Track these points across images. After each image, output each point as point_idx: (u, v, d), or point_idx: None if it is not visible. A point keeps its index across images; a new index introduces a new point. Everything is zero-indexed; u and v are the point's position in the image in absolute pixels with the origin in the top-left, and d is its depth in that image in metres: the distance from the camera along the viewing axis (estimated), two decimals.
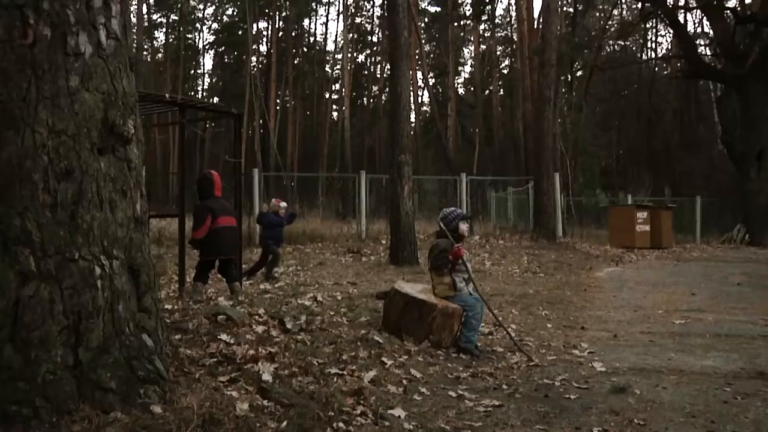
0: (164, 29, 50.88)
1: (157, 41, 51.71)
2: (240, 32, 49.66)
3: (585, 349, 6.35)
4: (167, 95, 6.38)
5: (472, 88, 51.04)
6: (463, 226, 6.34)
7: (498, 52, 50.70)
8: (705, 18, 28.87)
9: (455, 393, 4.76)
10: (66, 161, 3.29)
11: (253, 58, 48.68)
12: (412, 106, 49.52)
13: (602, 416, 4.35)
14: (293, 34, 49.49)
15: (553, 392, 4.89)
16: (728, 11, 25.38)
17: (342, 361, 5.06)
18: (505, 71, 51.45)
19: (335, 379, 4.57)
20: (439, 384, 4.97)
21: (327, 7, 53.41)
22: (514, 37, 43.12)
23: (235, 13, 50.75)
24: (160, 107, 7.00)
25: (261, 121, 47.44)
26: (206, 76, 56.37)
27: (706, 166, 36.72)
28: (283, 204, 11.42)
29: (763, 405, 4.59)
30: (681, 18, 32.15)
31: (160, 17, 49.20)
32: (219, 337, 4.83)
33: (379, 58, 51.31)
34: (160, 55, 50.74)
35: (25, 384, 3.14)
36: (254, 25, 47.72)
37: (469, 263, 6.32)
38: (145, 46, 49.64)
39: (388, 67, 17.05)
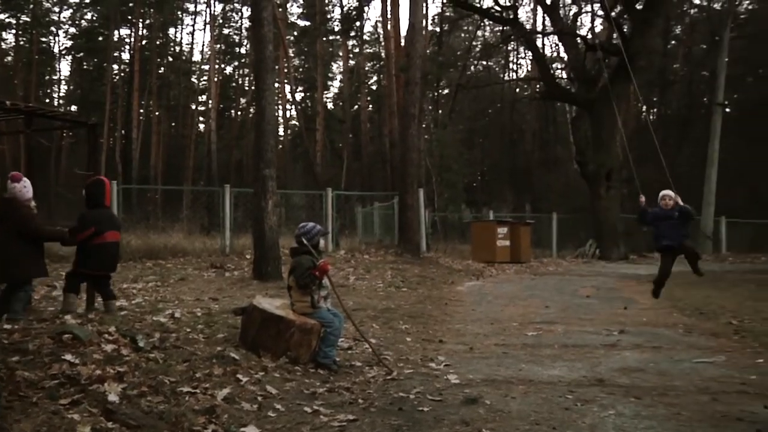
0: (14, 30, 47.92)
1: (6, 43, 48.68)
2: (100, 38, 47.67)
3: (441, 362, 6.52)
4: (8, 102, 6.03)
5: (341, 103, 51.46)
6: (323, 241, 6.36)
7: (366, 68, 51.43)
8: (560, 43, 30.51)
9: (311, 408, 4.76)
10: None
11: (115, 66, 46.96)
12: (281, 120, 49.47)
13: (453, 427, 4.47)
14: (158, 42, 48.10)
15: (408, 405, 4.98)
16: (580, 38, 27.01)
17: (195, 379, 4.95)
18: (374, 87, 52.25)
19: (187, 398, 4.47)
20: (295, 400, 4.95)
21: (194, 16, 52.53)
22: (383, 54, 43.87)
23: (95, 18, 48.70)
24: (1, 115, 6.60)
25: (123, 131, 45.79)
26: (63, 83, 53.75)
27: (563, 183, 38.81)
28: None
29: (599, 410, 4.88)
30: (539, 42, 33.89)
31: (8, 17, 46.31)
32: (63, 357, 4.61)
33: (247, 70, 50.83)
34: (9, 58, 47.81)
35: None
36: (116, 32, 46.09)
37: (327, 282, 6.34)
38: None
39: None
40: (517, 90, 45.24)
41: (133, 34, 47.17)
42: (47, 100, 49.04)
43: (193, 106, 50.64)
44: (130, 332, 5.83)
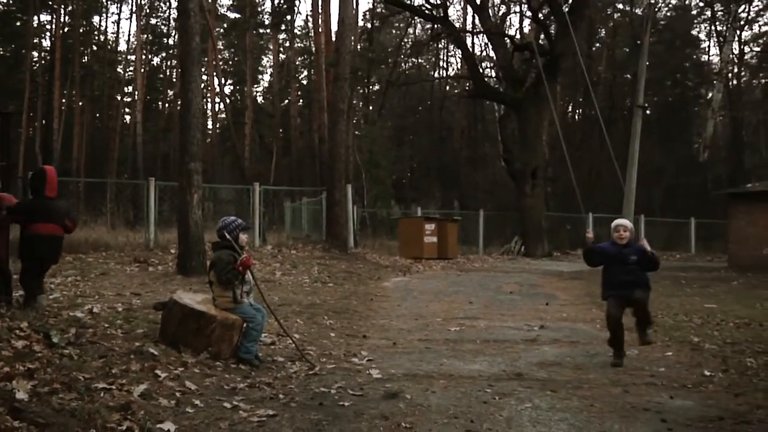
0: None
1: None
2: (18, 23, 45.92)
3: (364, 357, 6.56)
4: None
5: (270, 98, 50.97)
6: (243, 237, 6.26)
7: (297, 63, 51.09)
8: (489, 43, 30.97)
9: (230, 404, 4.72)
10: None
11: (35, 53, 45.33)
12: (209, 113, 48.72)
13: (373, 421, 4.51)
14: (81, 30, 46.62)
15: (329, 400, 5.00)
16: (508, 38, 27.48)
17: (111, 375, 4.85)
18: (304, 82, 51.95)
19: (102, 395, 4.38)
20: (214, 396, 4.91)
21: (119, 4, 51.22)
22: (313, 49, 43.64)
23: (11, 2, 46.85)
24: None
25: (44, 121, 44.25)
26: None
27: (490, 181, 39.40)
28: None
29: (516, 403, 5.00)
30: (468, 41, 34.29)
31: None
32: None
33: (175, 61, 49.74)
34: None
35: None
36: (35, 17, 44.46)
37: (249, 275, 6.28)
38: None
39: None
40: (447, 88, 45.73)
41: (54, 20, 45.64)
42: None
43: (119, 97, 49.29)
44: (44, 328, 5.67)
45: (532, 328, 8.59)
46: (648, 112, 35.52)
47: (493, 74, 34.60)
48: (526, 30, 35.42)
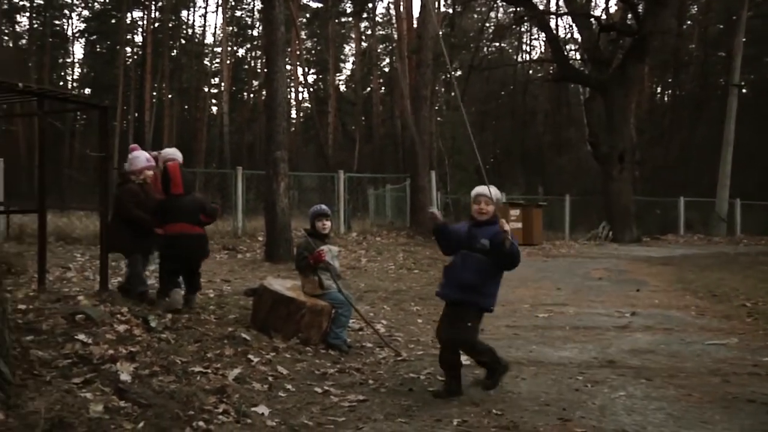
0: (27, 13, 47.98)
1: (20, 26, 48.73)
2: (113, 21, 47.69)
3: None
4: (21, 84, 6.04)
5: (353, 86, 51.30)
6: (320, 224, 6.27)
7: (379, 50, 51.20)
8: (573, 24, 30.24)
9: (321, 389, 4.79)
10: None
11: (128, 49, 46.98)
12: (293, 103, 49.40)
13: (463, 408, 4.49)
14: (170, 24, 48.04)
15: (418, 386, 5.01)
16: (593, 19, 26.75)
17: (206, 359, 4.99)
18: (386, 69, 52.03)
19: (198, 378, 4.51)
20: (305, 380, 4.99)
21: None
22: (395, 36, 43.61)
23: (107, 1, 48.66)
24: (14, 97, 6.62)
25: (136, 114, 45.87)
26: (76, 65, 53.81)
27: (575, 165, 38.60)
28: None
29: (609, 391, 4.88)
30: (552, 23, 33.60)
31: (21, 0, 46.39)
32: (76, 337, 4.65)
33: (259, 52, 50.65)
34: (24, 41, 47.90)
35: None
36: (128, 14, 46.06)
37: (335, 263, 6.33)
38: (6, 31, 46.77)
39: None
40: (530, 71, 44.95)
41: (145, 16, 47.12)
42: (61, 83, 49.14)
43: (206, 89, 50.57)
44: (143, 313, 5.88)
45: (623, 314, 8.38)
46: (744, 91, 34.05)
47: (578, 56, 33.81)
48: (612, 9, 34.32)
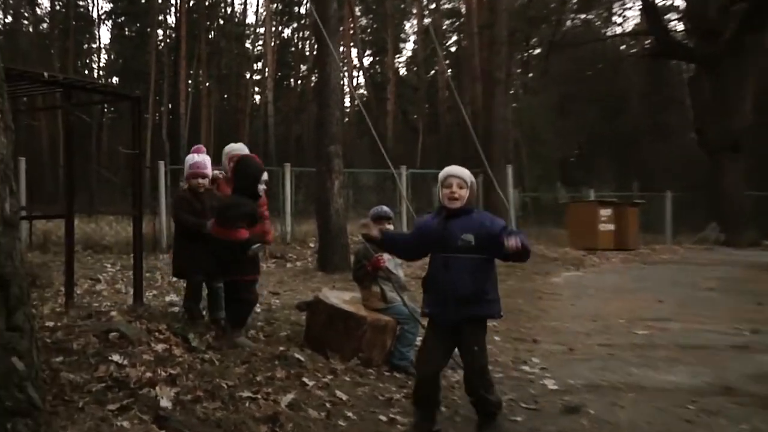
0: None
1: (41, 8, 50.17)
2: (143, 1, 48.75)
3: (536, 365, 6.48)
4: (46, 74, 6.22)
5: (414, 68, 51.35)
6: (380, 228, 6.22)
7: (444, 27, 51.12)
8: None
9: (386, 417, 4.80)
10: None
11: (159, 32, 47.96)
12: (347, 89, 49.71)
13: None
14: (206, 3, 48.88)
15: (499, 414, 4.96)
16: None
17: (256, 383, 5.04)
18: (453, 49, 51.93)
19: (247, 404, 4.55)
20: (368, 407, 4.99)
21: None
22: (462, 10, 43.53)
23: None
24: (38, 88, 6.82)
25: (170, 105, 46.77)
26: (103, 51, 55.19)
27: (678, 156, 37.80)
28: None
29: (729, 423, 4.76)
30: None
31: None
32: (110, 358, 4.75)
33: (307, 33, 51.17)
34: (45, 25, 49.35)
35: None
36: None
37: (399, 271, 6.32)
38: (25, 14, 48.20)
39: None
40: (622, 47, 44.20)
41: None
42: (86, 71, 50.42)
43: (248, 75, 51.29)
44: (182, 330, 5.97)
45: (741, 332, 8.16)
46: None
47: (681, 27, 33.10)
48: None
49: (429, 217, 4.71)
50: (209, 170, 7.01)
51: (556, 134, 34.02)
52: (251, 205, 6.12)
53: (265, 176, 6.29)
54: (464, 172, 4.57)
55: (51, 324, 5.50)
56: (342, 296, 6.58)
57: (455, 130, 44.86)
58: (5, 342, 3.45)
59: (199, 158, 6.97)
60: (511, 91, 31.72)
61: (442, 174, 4.64)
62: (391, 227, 6.32)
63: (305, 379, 5.31)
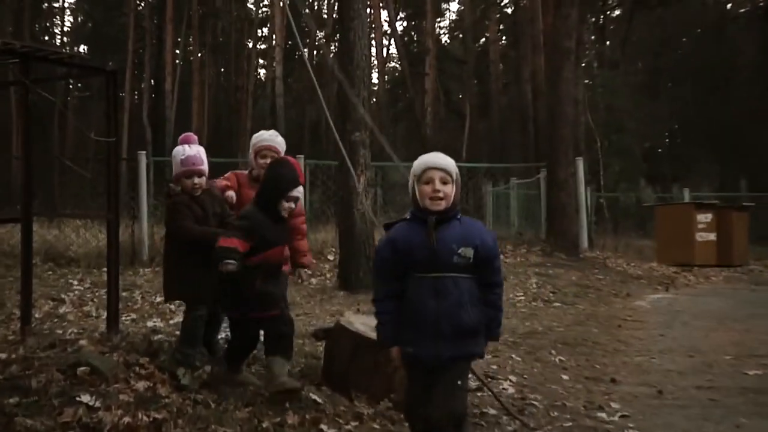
0: None
1: None
2: None
3: (615, 412, 6.42)
4: (0, 41, 6.29)
5: (460, 36, 51.33)
6: None
7: None
8: None
9: None
10: None
11: None
12: (375, 62, 49.78)
13: None
14: None
15: None
16: None
17: (262, 430, 5.05)
18: (509, 10, 51.84)
19: None
20: None
21: None
22: None
23: None
24: None
25: (153, 81, 47.03)
26: (67, 12, 55.56)
27: None
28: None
29: None
30: None
31: None
32: (78, 398, 4.79)
33: None
34: None
35: None
36: None
37: None
38: None
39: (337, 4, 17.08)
40: (728, 6, 43.91)
41: None
42: (45, 37, 50.76)
43: (250, 44, 51.53)
44: (169, 364, 6.00)
45: None
46: None
47: None
48: None
49: (401, 229, 4.42)
50: (206, 166, 6.69)
51: (641, 119, 33.83)
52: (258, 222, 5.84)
53: (297, 192, 5.99)
54: (448, 162, 4.34)
55: (3, 356, 5.54)
56: (369, 322, 6.56)
57: (512, 115, 44.76)
58: None
59: (192, 151, 6.69)
60: (583, 65, 31.63)
61: (418, 165, 4.38)
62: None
63: (323, 427, 5.31)
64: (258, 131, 7.33)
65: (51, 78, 12.87)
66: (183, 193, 6.60)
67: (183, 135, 6.95)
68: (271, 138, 7.10)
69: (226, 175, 7.22)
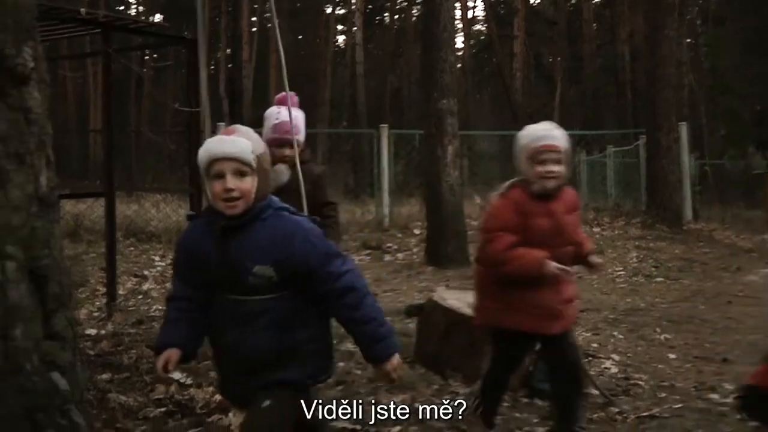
0: None
1: None
2: None
3: (729, 393, 6.34)
4: (83, 10, 6.42)
5: None
6: None
7: None
8: None
9: None
10: None
11: None
12: (460, 25, 49.53)
13: None
14: None
15: None
16: None
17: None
18: None
19: None
20: None
21: None
22: None
23: None
24: (71, 29, 7.02)
25: (229, 51, 47.34)
26: None
27: None
28: None
29: None
30: None
31: None
32: (169, 375, 4.89)
33: None
34: None
35: None
36: None
37: None
38: None
39: None
40: None
41: None
42: (121, 7, 51.47)
43: (329, 10, 51.57)
44: None
45: None
46: None
47: None
48: None
49: (195, 230, 3.59)
50: (303, 135, 5.88)
51: (750, 79, 33.07)
52: None
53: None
54: (242, 147, 3.38)
55: (93, 332, 5.68)
56: (464, 297, 6.57)
57: (607, 78, 44.14)
58: (43, 353, 3.55)
59: (288, 116, 5.70)
60: (686, 22, 31.04)
61: (201, 154, 3.41)
62: None
63: (418, 406, 5.34)
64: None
65: (132, 48, 13.07)
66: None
67: (280, 94, 6.00)
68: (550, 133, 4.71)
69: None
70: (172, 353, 3.49)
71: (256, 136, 3.47)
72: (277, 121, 5.71)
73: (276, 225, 3.39)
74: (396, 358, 3.47)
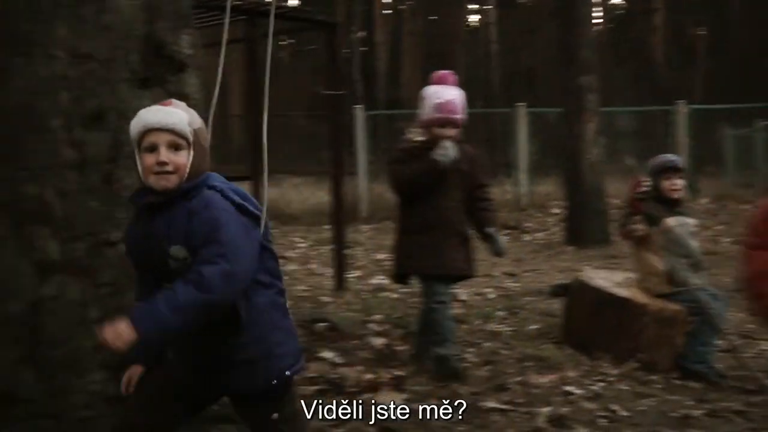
0: None
1: None
2: None
3: None
4: None
5: None
6: (668, 183, 6.03)
7: None
8: None
9: None
10: (96, 99, 3.41)
11: None
12: None
13: None
14: None
15: None
16: None
17: (503, 389, 5.11)
18: None
19: (496, 417, 4.63)
20: (656, 425, 4.92)
21: None
22: None
23: None
24: (216, 17, 7.16)
25: (364, 33, 47.58)
26: None
27: None
28: None
29: None
30: None
31: None
32: (319, 355, 4.97)
33: None
34: None
35: (53, 423, 3.29)
36: None
37: (692, 240, 6.15)
38: None
39: None
40: None
41: None
42: None
43: None
44: (404, 322, 6.14)
45: None
46: None
47: None
48: None
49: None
50: (462, 115, 5.77)
51: None
52: None
53: None
54: (179, 118, 3.08)
55: None
56: (612, 277, 6.51)
57: (755, 49, 42.84)
58: None
59: (449, 94, 5.74)
60: None
61: (133, 125, 3.10)
62: (680, 183, 6.10)
63: (568, 387, 5.32)
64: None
65: (274, 33, 13.26)
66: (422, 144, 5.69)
67: (439, 73, 5.96)
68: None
69: None
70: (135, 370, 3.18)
71: (193, 111, 3.20)
72: (439, 100, 5.62)
73: (195, 203, 3.03)
74: (123, 325, 2.77)
